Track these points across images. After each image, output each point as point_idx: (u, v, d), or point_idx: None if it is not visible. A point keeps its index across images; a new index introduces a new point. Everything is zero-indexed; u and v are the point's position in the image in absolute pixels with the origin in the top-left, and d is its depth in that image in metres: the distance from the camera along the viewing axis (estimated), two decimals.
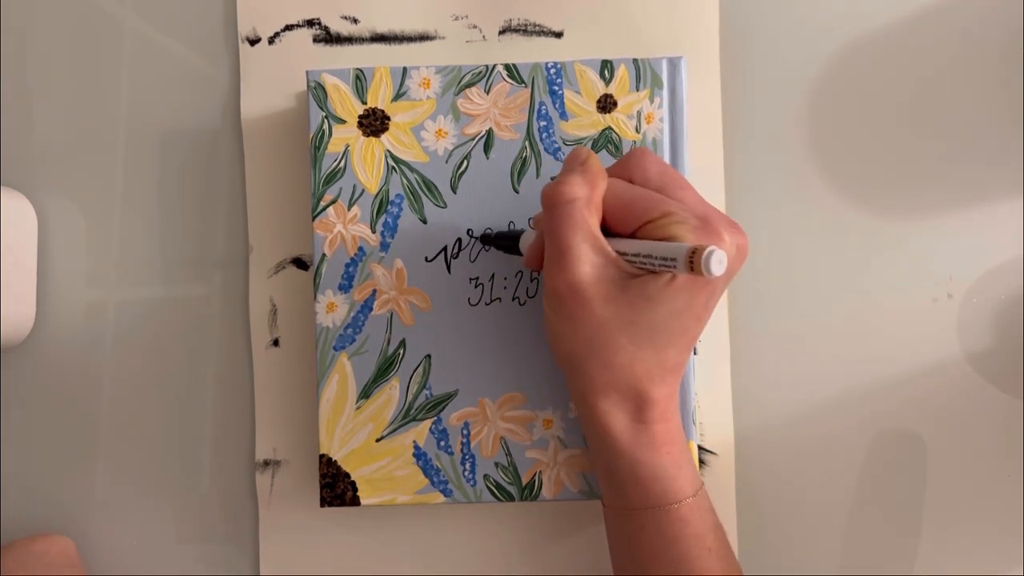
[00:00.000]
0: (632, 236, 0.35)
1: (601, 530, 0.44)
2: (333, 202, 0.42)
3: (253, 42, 0.45)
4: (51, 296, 0.45)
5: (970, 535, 0.43)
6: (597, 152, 0.41)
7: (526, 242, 0.39)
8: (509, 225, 0.41)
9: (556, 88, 0.41)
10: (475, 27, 0.44)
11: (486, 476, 0.41)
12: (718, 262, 0.29)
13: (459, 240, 0.42)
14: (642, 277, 0.34)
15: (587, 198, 0.34)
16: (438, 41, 0.45)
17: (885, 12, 0.44)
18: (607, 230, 0.35)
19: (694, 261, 0.30)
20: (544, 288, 0.36)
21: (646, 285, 0.33)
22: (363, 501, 0.41)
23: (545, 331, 0.37)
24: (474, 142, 0.41)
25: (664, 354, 0.35)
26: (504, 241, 0.41)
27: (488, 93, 0.41)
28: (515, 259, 0.42)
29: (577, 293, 0.34)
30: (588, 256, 0.34)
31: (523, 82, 0.41)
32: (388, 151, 0.42)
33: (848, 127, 0.44)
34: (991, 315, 0.43)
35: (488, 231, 0.41)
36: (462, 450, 0.41)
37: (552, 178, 0.41)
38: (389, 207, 0.42)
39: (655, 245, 0.32)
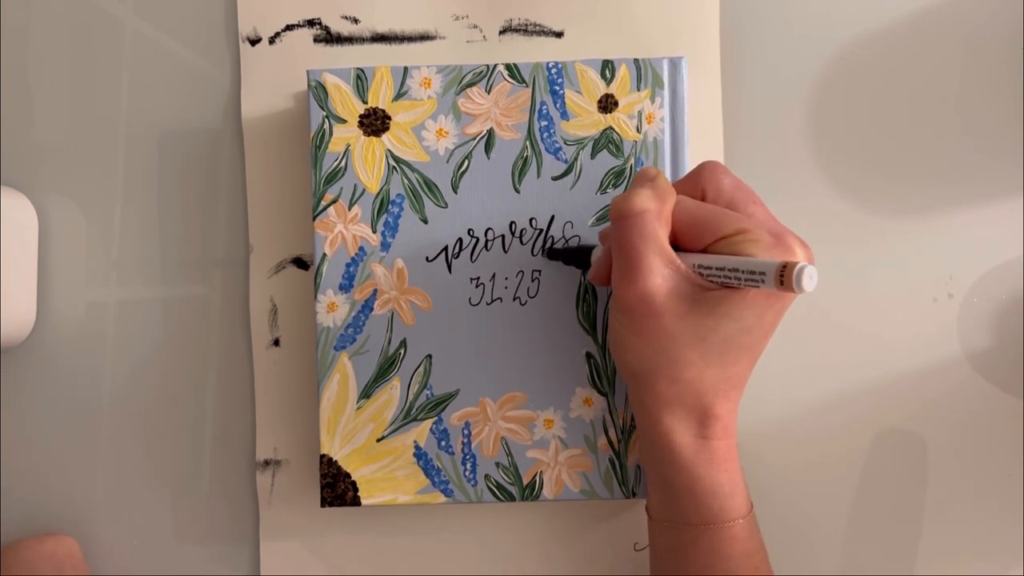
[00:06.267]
0: (703, 252, 0.34)
1: (601, 530, 0.44)
2: (334, 202, 0.42)
3: (254, 42, 0.45)
4: (51, 296, 0.45)
5: (970, 535, 0.43)
6: (597, 152, 0.41)
7: (596, 257, 0.39)
8: (510, 225, 0.41)
9: (557, 88, 0.41)
10: (476, 27, 0.44)
11: (487, 476, 0.41)
12: (809, 278, 0.30)
13: (460, 240, 0.41)
14: (716, 292, 0.33)
15: (657, 211, 0.34)
16: (439, 41, 0.45)
17: (885, 12, 0.44)
18: (675, 246, 0.35)
19: (784, 276, 0.30)
20: (612, 300, 0.36)
21: (721, 301, 0.33)
22: (364, 501, 0.41)
23: (610, 342, 0.37)
24: (475, 142, 0.41)
25: (731, 370, 0.35)
26: (573, 257, 0.40)
27: (489, 93, 0.41)
28: (514, 258, 0.41)
29: (647, 305, 0.33)
30: (659, 268, 0.33)
31: (524, 82, 0.41)
32: (389, 151, 0.42)
33: (848, 127, 0.44)
34: (991, 315, 0.43)
35: (556, 245, 0.41)
36: (463, 450, 0.41)
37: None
38: (390, 207, 0.42)
39: (742, 260, 0.32)
